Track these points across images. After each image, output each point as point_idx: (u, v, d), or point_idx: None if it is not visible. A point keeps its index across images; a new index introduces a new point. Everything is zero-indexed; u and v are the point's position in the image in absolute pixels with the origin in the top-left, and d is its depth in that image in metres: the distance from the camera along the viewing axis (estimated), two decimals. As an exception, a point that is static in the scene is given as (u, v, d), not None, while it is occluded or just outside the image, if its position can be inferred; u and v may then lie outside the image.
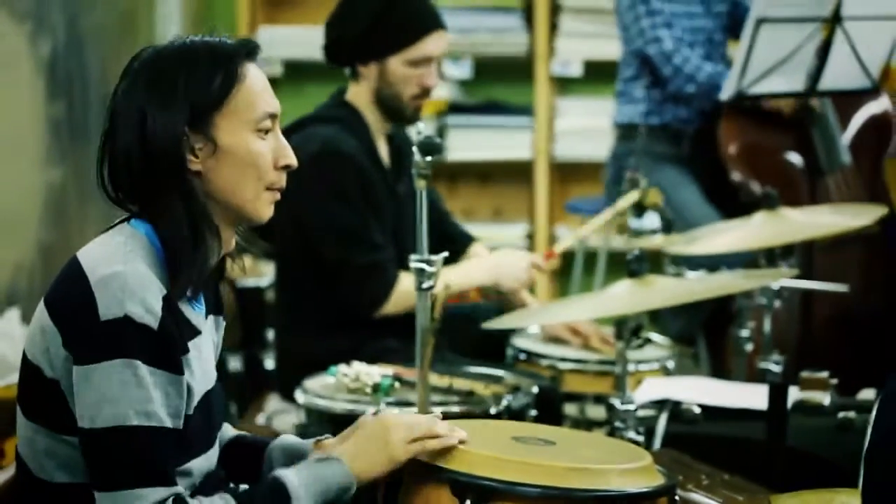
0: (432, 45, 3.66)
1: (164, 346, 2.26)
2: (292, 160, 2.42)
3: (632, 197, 3.88)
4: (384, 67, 3.66)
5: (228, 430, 2.61)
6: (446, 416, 2.46)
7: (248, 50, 2.39)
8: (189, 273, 2.32)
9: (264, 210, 2.40)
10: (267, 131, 2.39)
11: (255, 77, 2.38)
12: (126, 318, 2.22)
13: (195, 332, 2.37)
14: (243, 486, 2.43)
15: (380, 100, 3.69)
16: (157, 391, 2.25)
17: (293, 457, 2.49)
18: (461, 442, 2.40)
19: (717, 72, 5.12)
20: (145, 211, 2.35)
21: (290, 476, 2.32)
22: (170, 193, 2.33)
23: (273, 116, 2.40)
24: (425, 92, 3.68)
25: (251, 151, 2.36)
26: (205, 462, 2.40)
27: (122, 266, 2.26)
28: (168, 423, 2.26)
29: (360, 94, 3.71)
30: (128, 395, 2.22)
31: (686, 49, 5.18)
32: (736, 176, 5.17)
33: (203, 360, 2.39)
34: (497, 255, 3.85)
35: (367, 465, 2.36)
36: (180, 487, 2.27)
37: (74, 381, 2.25)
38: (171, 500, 2.24)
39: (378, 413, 2.47)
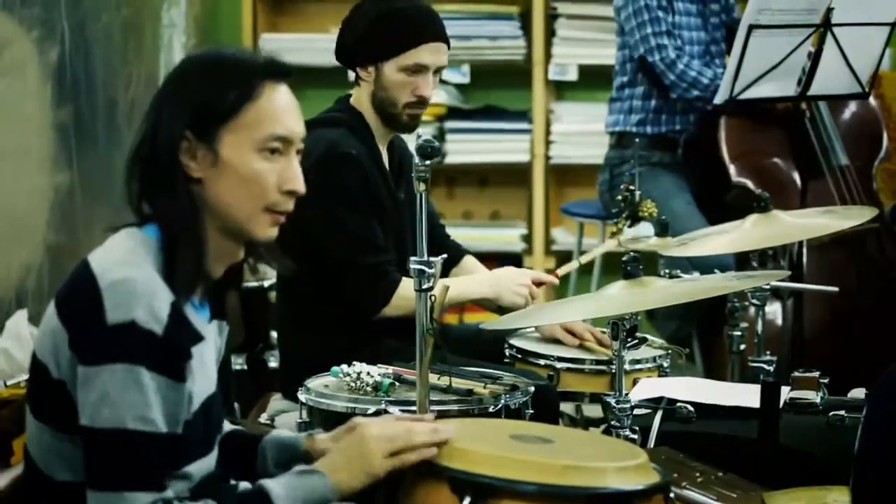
0: (427, 54, 3.65)
1: (167, 352, 2.28)
2: (299, 187, 2.42)
3: (633, 233, 3.92)
4: (380, 72, 3.67)
5: (224, 426, 2.63)
6: (445, 416, 2.50)
7: (274, 70, 2.40)
8: (184, 273, 2.34)
9: (261, 230, 2.42)
10: (274, 151, 2.39)
11: (274, 98, 2.39)
12: (132, 323, 2.25)
13: (198, 338, 2.38)
14: (244, 484, 2.44)
15: (376, 104, 3.70)
16: (157, 396, 2.26)
17: (285, 451, 2.54)
18: (441, 444, 2.43)
19: (719, 75, 5.15)
20: (151, 208, 2.38)
21: (274, 487, 2.35)
22: (169, 191, 2.35)
23: (284, 139, 2.39)
24: (419, 101, 3.67)
25: (251, 170, 2.37)
26: (204, 465, 2.43)
27: (131, 271, 2.29)
28: (164, 429, 2.27)
29: (362, 99, 3.73)
30: (127, 400, 2.24)
31: (687, 57, 5.23)
32: (733, 177, 5.21)
33: (205, 366, 2.41)
34: (498, 270, 3.85)
35: (347, 478, 2.39)
36: (170, 493, 2.29)
37: (79, 380, 2.27)
38: None
39: (365, 419, 2.49)
